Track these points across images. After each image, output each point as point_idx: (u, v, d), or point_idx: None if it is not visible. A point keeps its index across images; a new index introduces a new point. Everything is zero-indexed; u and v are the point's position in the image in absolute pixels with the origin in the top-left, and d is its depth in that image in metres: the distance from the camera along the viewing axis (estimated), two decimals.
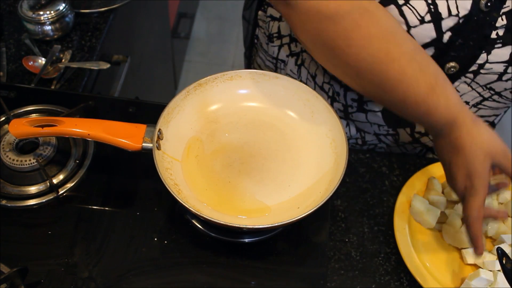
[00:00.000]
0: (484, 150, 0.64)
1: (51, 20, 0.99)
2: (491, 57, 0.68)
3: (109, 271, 0.68)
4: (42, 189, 0.74)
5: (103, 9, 1.09)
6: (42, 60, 0.98)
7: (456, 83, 0.73)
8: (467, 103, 0.77)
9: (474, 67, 0.70)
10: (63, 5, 1.00)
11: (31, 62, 0.97)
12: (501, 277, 0.70)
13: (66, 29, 1.03)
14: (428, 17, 0.65)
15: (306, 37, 0.65)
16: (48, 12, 0.99)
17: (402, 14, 0.65)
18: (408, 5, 0.64)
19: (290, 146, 0.73)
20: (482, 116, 0.81)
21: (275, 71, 0.92)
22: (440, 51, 0.68)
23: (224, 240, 0.71)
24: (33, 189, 0.74)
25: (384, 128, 0.85)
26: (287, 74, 0.90)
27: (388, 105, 0.69)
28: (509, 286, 0.65)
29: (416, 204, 0.76)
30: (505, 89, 0.73)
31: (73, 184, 0.75)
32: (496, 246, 0.68)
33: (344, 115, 0.86)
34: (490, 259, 0.71)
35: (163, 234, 0.71)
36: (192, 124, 0.74)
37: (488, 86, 0.73)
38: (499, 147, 0.65)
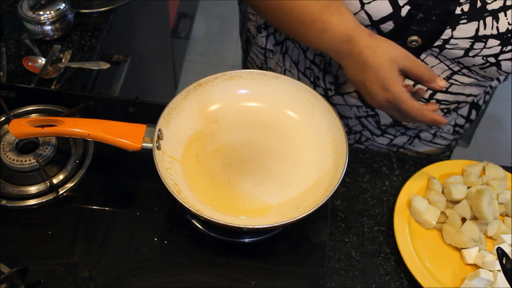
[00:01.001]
0: (387, 58, 0.65)
1: (51, 20, 0.99)
2: (456, 33, 0.68)
3: (109, 271, 0.68)
4: (42, 189, 0.74)
5: (103, 9, 1.09)
6: (42, 60, 0.98)
7: (423, 55, 0.74)
8: None
9: (439, 42, 0.70)
10: (63, 5, 1.00)
11: (31, 62, 0.97)
12: (501, 277, 0.70)
13: (66, 29, 1.03)
14: None
15: None
16: (48, 12, 0.99)
17: None
18: None
19: (290, 146, 0.73)
20: (457, 94, 0.81)
21: (265, 61, 0.94)
22: (400, 25, 0.69)
23: (224, 240, 0.71)
24: (33, 189, 0.74)
25: (363, 109, 0.86)
26: (276, 63, 0.91)
27: (289, 32, 0.73)
28: (509, 286, 0.65)
29: (416, 204, 0.76)
30: (474, 65, 0.73)
31: (73, 184, 0.75)
32: (496, 246, 0.68)
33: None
34: (490, 259, 0.71)
35: (163, 234, 0.71)
36: (192, 124, 0.74)
37: (456, 60, 0.73)
38: (401, 52, 0.66)
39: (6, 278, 0.62)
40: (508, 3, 0.67)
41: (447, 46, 0.70)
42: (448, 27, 0.68)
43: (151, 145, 0.66)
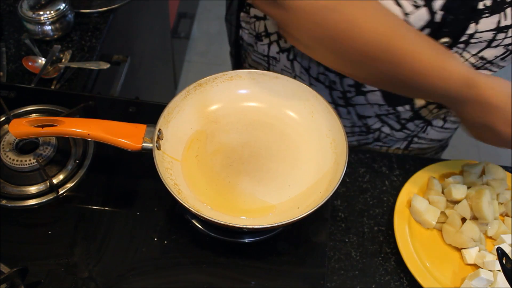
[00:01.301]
0: (508, 95, 0.64)
1: (51, 20, 0.99)
2: (480, 27, 0.68)
3: (109, 271, 0.68)
4: (42, 189, 0.74)
5: (103, 9, 1.09)
6: (42, 60, 0.98)
7: None
8: None
9: (464, 38, 0.70)
10: (63, 5, 1.00)
11: (31, 62, 0.97)
12: (501, 277, 0.70)
13: (66, 29, 1.03)
14: (421, 2, 0.65)
15: (303, 33, 0.65)
16: (48, 12, 0.99)
17: (397, 3, 0.65)
18: None
19: (290, 146, 0.73)
20: None
21: (268, 68, 0.93)
22: (434, 30, 0.69)
23: (224, 240, 0.71)
24: (33, 189, 0.74)
25: (384, 108, 0.86)
26: (281, 70, 0.90)
27: (400, 87, 0.69)
28: (509, 286, 0.65)
29: (416, 204, 0.76)
30: (496, 57, 0.73)
31: (73, 184, 0.75)
32: (496, 246, 0.68)
33: (344, 101, 0.87)
34: (490, 259, 0.71)
35: (163, 234, 0.71)
36: (192, 124, 0.74)
37: (479, 55, 0.73)
38: None
39: (6, 278, 0.62)
40: None
41: (471, 40, 0.71)
42: (472, 21, 0.68)
43: (151, 145, 0.66)
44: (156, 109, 0.72)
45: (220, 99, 0.76)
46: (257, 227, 0.64)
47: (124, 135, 0.67)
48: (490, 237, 0.76)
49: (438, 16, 0.67)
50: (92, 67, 0.98)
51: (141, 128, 0.68)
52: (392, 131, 0.91)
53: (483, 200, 0.73)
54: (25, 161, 0.74)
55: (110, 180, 0.77)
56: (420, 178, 0.80)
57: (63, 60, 0.99)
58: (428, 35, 0.69)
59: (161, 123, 0.69)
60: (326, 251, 0.72)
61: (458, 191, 0.76)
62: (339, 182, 0.64)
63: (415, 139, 0.95)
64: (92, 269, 0.67)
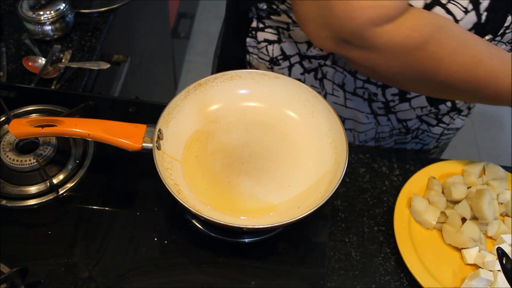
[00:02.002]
0: None
1: (51, 20, 0.99)
2: None
3: (109, 271, 0.68)
4: (42, 189, 0.74)
5: (103, 9, 1.09)
6: (42, 60, 0.98)
7: None
8: None
9: (502, 30, 0.71)
10: (63, 5, 1.00)
11: (31, 62, 0.97)
12: (501, 277, 0.70)
13: (66, 29, 1.03)
14: (470, 6, 0.66)
15: (389, 71, 0.66)
16: (48, 12, 0.99)
17: (448, 11, 0.66)
18: (451, 1, 0.65)
19: (290, 146, 0.73)
20: None
21: None
22: (478, 30, 0.70)
23: (224, 240, 0.71)
24: (33, 189, 0.74)
25: (426, 109, 0.86)
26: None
27: (480, 102, 0.72)
28: (509, 286, 0.65)
29: (416, 204, 0.76)
30: None
31: (73, 184, 0.75)
32: (496, 246, 0.68)
33: (386, 110, 0.87)
34: (490, 259, 0.71)
35: (163, 234, 0.71)
36: (192, 124, 0.74)
37: (510, 41, 0.74)
38: None
39: (6, 278, 0.62)
40: None
41: (507, 31, 0.71)
42: (509, 14, 0.69)
43: (151, 145, 0.66)
44: (156, 109, 0.72)
45: (220, 99, 0.76)
46: (257, 227, 0.64)
47: (124, 135, 0.67)
48: (490, 237, 0.76)
49: (483, 17, 0.68)
50: (92, 67, 0.98)
51: (141, 128, 0.68)
52: (429, 127, 0.92)
53: (483, 200, 0.73)
54: (25, 161, 0.74)
55: (110, 180, 0.77)
56: (420, 178, 0.80)
57: (63, 60, 0.99)
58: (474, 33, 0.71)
59: (161, 123, 0.69)
60: (326, 251, 0.72)
61: (458, 191, 0.76)
62: (339, 182, 0.64)
63: (445, 132, 0.95)
64: (92, 269, 0.67)
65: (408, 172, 0.84)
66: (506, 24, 0.70)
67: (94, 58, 1.01)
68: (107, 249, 0.69)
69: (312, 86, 0.87)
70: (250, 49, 0.90)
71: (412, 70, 0.65)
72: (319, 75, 0.87)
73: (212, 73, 1.03)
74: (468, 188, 0.78)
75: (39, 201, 0.73)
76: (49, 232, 0.71)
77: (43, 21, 0.99)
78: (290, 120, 0.76)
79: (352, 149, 0.86)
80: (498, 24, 0.70)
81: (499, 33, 0.72)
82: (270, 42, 0.86)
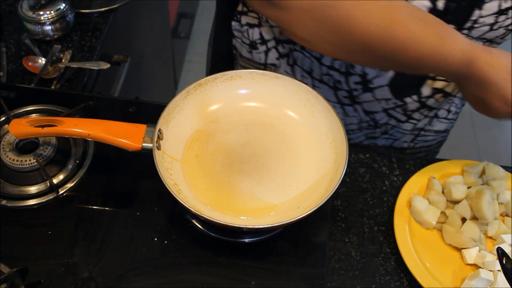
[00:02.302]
0: (507, 71, 0.65)
1: (51, 20, 0.99)
2: (483, 12, 0.70)
3: (109, 271, 0.68)
4: (42, 189, 0.74)
5: (103, 9, 1.09)
6: (42, 60, 0.98)
7: None
8: None
9: (468, 24, 0.71)
10: (63, 5, 1.00)
11: (31, 62, 0.97)
12: (501, 277, 0.70)
13: (66, 29, 1.03)
14: None
15: (303, 30, 0.66)
16: (48, 12, 0.99)
17: None
18: None
19: (290, 146, 0.73)
20: None
21: None
22: (437, 15, 0.69)
23: (224, 240, 0.71)
24: (33, 189, 0.74)
25: (391, 101, 0.86)
26: None
27: (403, 69, 0.72)
28: (509, 286, 0.65)
29: (416, 204, 0.76)
30: (496, 37, 0.75)
31: (73, 184, 0.75)
32: (496, 246, 0.68)
33: (351, 100, 0.87)
34: (490, 259, 0.71)
35: (163, 234, 0.71)
36: (192, 124, 0.74)
37: (481, 37, 0.74)
38: None
39: (6, 278, 0.62)
40: None
41: (475, 25, 0.72)
42: (475, 8, 0.69)
43: (151, 145, 0.66)
44: (156, 109, 0.72)
45: (220, 99, 0.76)
46: (257, 227, 0.64)
47: (124, 135, 0.67)
48: (490, 237, 0.76)
49: (440, 4, 0.68)
50: (92, 67, 0.98)
51: (141, 128, 0.68)
52: (399, 123, 0.91)
53: (483, 200, 0.73)
54: (25, 161, 0.74)
55: (110, 180, 0.77)
56: (420, 178, 0.80)
57: (63, 60, 0.99)
58: None
59: (161, 123, 0.69)
60: (326, 251, 0.72)
61: (458, 191, 0.76)
62: (339, 182, 0.64)
63: (422, 132, 0.95)
64: (92, 269, 0.67)
65: (408, 172, 0.84)
66: (473, 17, 0.70)
67: (94, 58, 1.01)
68: (107, 249, 0.69)
69: (285, 73, 0.89)
70: (236, 33, 0.91)
71: (326, 30, 0.64)
72: (291, 61, 0.87)
73: (207, 64, 1.04)
74: (468, 188, 0.78)
75: (39, 201, 0.73)
76: (49, 232, 0.71)
77: (43, 21, 0.99)
78: (290, 120, 0.76)
79: (352, 149, 0.86)
80: (463, 15, 0.70)
81: (465, 26, 0.72)
82: (251, 25, 0.87)
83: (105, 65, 0.98)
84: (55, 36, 1.02)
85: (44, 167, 0.74)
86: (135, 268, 0.68)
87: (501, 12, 0.70)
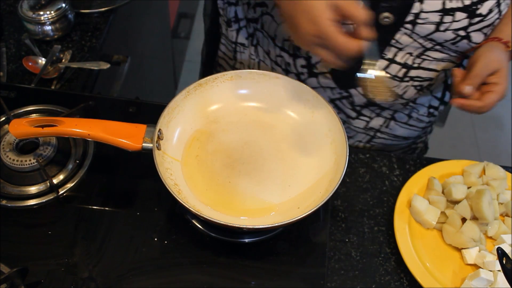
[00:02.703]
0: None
1: (51, 20, 0.99)
2: (425, 6, 0.70)
3: (109, 271, 0.68)
4: (42, 189, 0.74)
5: (103, 9, 1.09)
6: (42, 60, 0.98)
7: (398, 35, 0.75)
8: (410, 54, 0.78)
9: (410, 17, 0.72)
10: (63, 5, 1.00)
11: (31, 62, 0.97)
12: (501, 277, 0.70)
13: (66, 29, 1.03)
14: None
15: None
16: (48, 12, 0.99)
17: None
18: None
19: (290, 146, 0.73)
20: (430, 70, 0.82)
21: (234, 56, 0.94)
22: (372, 1, 0.70)
23: (224, 240, 0.71)
24: (33, 189, 0.74)
25: (337, 91, 0.87)
26: (248, 57, 0.92)
27: None
28: (509, 286, 0.65)
29: (416, 204, 0.76)
30: (446, 41, 0.75)
31: (73, 184, 0.75)
32: (496, 246, 0.68)
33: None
34: (490, 259, 0.71)
35: (163, 234, 0.71)
36: (192, 124, 0.74)
37: (428, 37, 0.74)
38: None
39: (6, 278, 0.62)
40: None
41: (418, 21, 0.72)
42: (416, 0, 0.70)
43: (151, 145, 0.66)
44: (156, 109, 0.72)
45: (220, 99, 0.76)
46: (257, 227, 0.64)
47: (124, 135, 0.67)
48: (490, 237, 0.76)
49: None
50: (92, 67, 0.98)
51: (141, 128, 0.68)
52: (349, 119, 0.92)
53: (483, 200, 0.73)
54: (25, 161, 0.74)
55: (110, 180, 0.77)
56: (420, 178, 0.80)
57: (63, 60, 0.99)
58: (367, 6, 0.68)
59: (161, 123, 0.69)
60: (326, 251, 0.72)
61: (458, 191, 0.76)
62: (339, 182, 0.64)
63: (378, 134, 0.95)
64: (92, 269, 0.67)
65: (408, 172, 0.84)
66: (414, 11, 0.70)
67: (94, 58, 1.01)
68: (107, 249, 0.69)
69: (251, 54, 0.91)
70: (220, 11, 0.93)
71: None
72: (255, 41, 0.89)
73: (203, 44, 1.06)
74: (468, 188, 0.78)
75: (39, 201, 0.73)
76: (49, 232, 0.71)
77: (43, 21, 0.99)
78: (290, 120, 0.76)
79: (352, 149, 0.86)
80: (400, 5, 0.70)
81: (407, 20, 0.72)
82: (230, 3, 0.89)
83: (105, 65, 0.98)
84: (55, 36, 1.02)
85: (44, 167, 0.74)
86: (135, 268, 0.68)
87: (446, 11, 0.70)
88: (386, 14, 0.72)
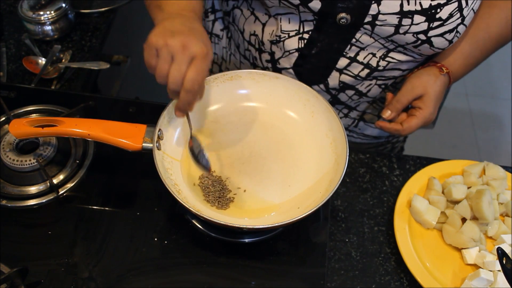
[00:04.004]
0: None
1: (51, 20, 0.99)
2: (382, 8, 0.69)
3: (109, 271, 0.68)
4: (42, 189, 0.74)
5: (103, 9, 1.09)
6: (42, 60, 0.98)
7: (358, 34, 0.75)
8: (373, 55, 0.78)
9: (368, 18, 0.71)
10: (63, 5, 1.00)
11: (31, 62, 0.97)
12: (501, 277, 0.70)
13: (66, 29, 1.03)
14: None
15: None
16: (48, 12, 0.99)
17: None
18: None
19: (290, 146, 0.73)
20: (393, 70, 0.82)
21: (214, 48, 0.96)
22: (326, 2, 0.70)
23: (224, 240, 0.71)
24: (33, 189, 0.74)
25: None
26: (222, 48, 0.94)
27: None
28: (509, 286, 0.65)
29: (416, 204, 0.76)
30: (407, 43, 0.74)
31: (73, 184, 0.75)
32: (496, 246, 0.68)
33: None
34: (490, 259, 0.71)
35: (163, 234, 0.71)
36: (192, 124, 0.74)
37: (389, 39, 0.74)
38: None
39: (6, 278, 0.62)
40: None
41: (377, 22, 0.71)
42: (373, 2, 0.69)
43: (151, 145, 0.66)
44: (156, 109, 0.72)
45: (220, 99, 0.76)
46: (257, 227, 0.64)
47: (124, 135, 0.67)
48: (490, 237, 0.76)
49: None
50: (92, 67, 0.98)
51: (141, 128, 0.68)
52: None
53: (483, 200, 0.73)
54: (25, 161, 0.74)
55: (110, 180, 0.77)
56: (420, 178, 0.80)
57: (63, 60, 0.99)
58: (322, 8, 0.71)
59: (161, 123, 0.69)
60: (326, 251, 0.72)
61: (458, 191, 0.76)
62: (339, 182, 0.64)
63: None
64: (92, 269, 0.67)
65: (408, 172, 0.84)
66: (372, 12, 0.70)
67: (94, 58, 1.01)
68: (107, 249, 0.69)
69: (225, 45, 0.93)
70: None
71: None
72: (229, 34, 0.91)
73: None
74: (468, 188, 0.78)
75: (39, 201, 0.73)
76: (49, 232, 0.71)
77: (43, 21, 0.99)
78: (290, 120, 0.76)
79: (352, 149, 0.86)
80: (356, 6, 0.70)
81: (366, 21, 0.72)
82: None
83: (105, 65, 0.98)
84: (55, 36, 1.02)
85: (44, 167, 0.74)
86: (135, 268, 0.68)
87: (404, 14, 0.69)
88: (343, 14, 0.71)
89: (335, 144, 0.71)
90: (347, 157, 0.67)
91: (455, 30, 0.72)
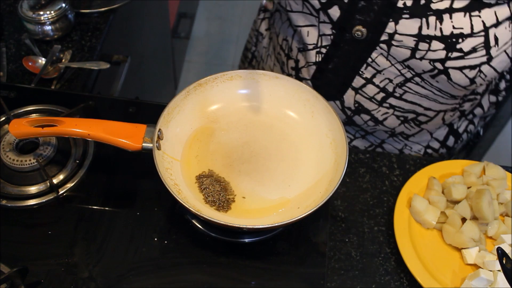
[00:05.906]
0: None
1: (51, 20, 0.99)
2: (400, 28, 0.68)
3: (109, 271, 0.68)
4: (42, 189, 0.74)
5: (103, 9, 1.09)
6: (42, 60, 0.98)
7: (374, 54, 0.74)
8: (390, 81, 0.77)
9: (384, 37, 0.70)
10: (63, 5, 1.00)
11: (31, 62, 0.97)
12: (501, 277, 0.70)
13: (66, 29, 1.03)
14: None
15: None
16: (48, 12, 0.98)
17: None
18: None
19: (290, 146, 0.73)
20: (413, 103, 0.80)
21: (256, 44, 0.98)
22: (345, 12, 0.70)
23: (224, 240, 0.71)
24: (33, 189, 0.74)
25: None
26: (263, 47, 0.95)
27: None
28: (509, 286, 0.65)
29: (416, 204, 0.76)
30: (424, 71, 0.72)
31: (73, 184, 0.75)
32: (496, 246, 0.68)
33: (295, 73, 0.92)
34: (490, 259, 0.71)
35: (163, 234, 0.71)
36: (192, 124, 0.74)
37: (405, 63, 0.73)
38: None
39: (6, 278, 0.62)
40: (455, 5, 0.65)
41: (393, 42, 0.70)
42: (391, 19, 0.68)
43: (151, 145, 0.66)
44: (156, 109, 0.72)
45: (220, 99, 0.76)
46: (257, 227, 0.64)
47: (124, 135, 0.67)
48: (490, 237, 0.76)
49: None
50: (92, 67, 0.98)
51: (141, 128, 0.68)
52: None
53: (483, 200, 0.73)
54: (25, 161, 0.74)
55: (110, 180, 0.77)
56: (420, 178, 0.80)
57: (63, 60, 0.99)
58: (340, 18, 0.71)
59: (161, 123, 0.69)
60: (326, 251, 0.72)
61: (458, 191, 0.76)
62: (339, 182, 0.64)
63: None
64: (92, 269, 0.67)
65: (408, 172, 0.84)
66: (388, 30, 0.68)
67: (94, 58, 1.01)
68: (107, 249, 0.69)
69: (266, 45, 0.96)
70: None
71: None
72: (271, 35, 0.94)
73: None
74: (468, 188, 0.78)
75: (39, 201, 0.73)
76: (49, 232, 0.71)
77: (43, 21, 0.98)
78: (290, 120, 0.76)
79: (352, 149, 0.86)
80: (374, 21, 0.69)
81: (381, 39, 0.70)
82: None
83: (105, 65, 0.98)
84: (55, 36, 1.02)
85: (44, 167, 0.74)
86: (135, 268, 0.68)
87: (421, 37, 0.67)
88: (359, 27, 0.71)
89: (335, 144, 0.71)
90: (347, 157, 0.67)
91: (478, 68, 0.68)
